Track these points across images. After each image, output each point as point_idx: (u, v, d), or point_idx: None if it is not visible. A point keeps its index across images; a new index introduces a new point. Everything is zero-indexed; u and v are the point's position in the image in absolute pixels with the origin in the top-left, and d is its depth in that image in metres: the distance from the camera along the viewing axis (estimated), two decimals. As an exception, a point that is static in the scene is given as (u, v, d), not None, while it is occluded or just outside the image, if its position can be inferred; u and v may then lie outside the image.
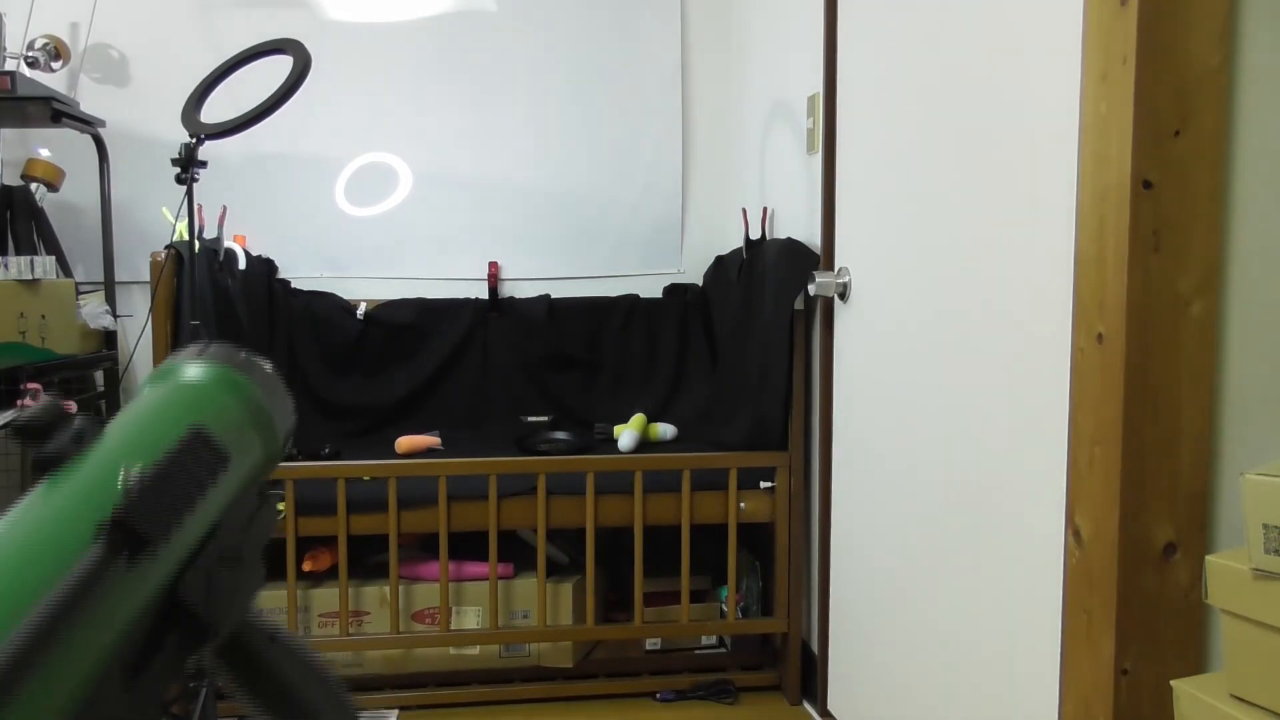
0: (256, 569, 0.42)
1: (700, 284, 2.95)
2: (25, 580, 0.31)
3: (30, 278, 2.31)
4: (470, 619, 2.29)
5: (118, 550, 0.33)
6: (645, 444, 2.54)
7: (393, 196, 2.89)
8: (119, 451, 0.36)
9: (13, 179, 2.66)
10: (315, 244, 2.87)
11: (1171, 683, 0.95)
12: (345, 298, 2.81)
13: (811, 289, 2.02)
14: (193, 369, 0.43)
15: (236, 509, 0.41)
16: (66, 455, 0.34)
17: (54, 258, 2.41)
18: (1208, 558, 0.91)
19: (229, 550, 0.40)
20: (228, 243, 2.50)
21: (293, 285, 2.80)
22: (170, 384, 0.42)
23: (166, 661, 0.36)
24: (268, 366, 0.47)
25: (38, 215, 2.64)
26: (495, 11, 2.90)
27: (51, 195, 2.71)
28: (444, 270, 2.92)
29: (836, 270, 2.00)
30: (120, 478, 0.35)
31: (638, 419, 2.55)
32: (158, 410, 0.40)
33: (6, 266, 2.32)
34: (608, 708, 2.28)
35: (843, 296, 1.98)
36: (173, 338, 2.15)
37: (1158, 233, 1.07)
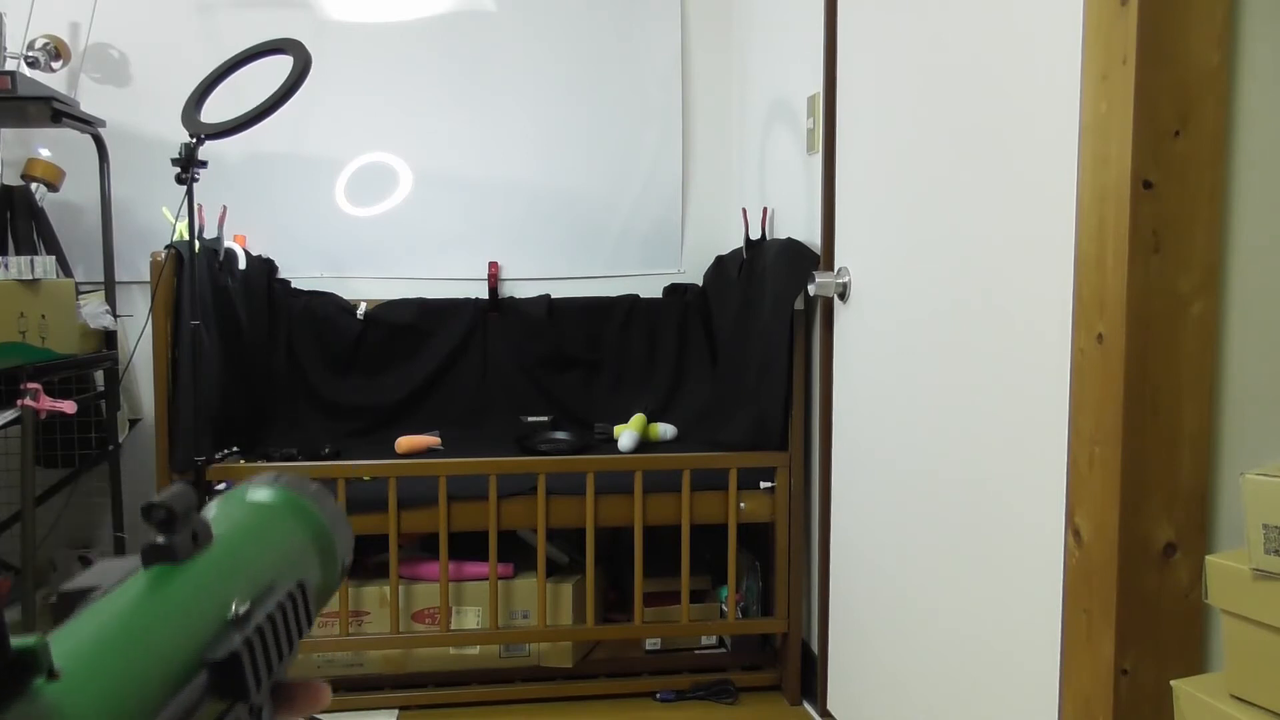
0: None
1: (700, 284, 2.95)
2: (144, 688, 0.30)
3: (30, 278, 2.31)
4: (470, 619, 2.29)
5: (222, 693, 0.33)
6: (645, 444, 2.54)
7: (393, 196, 2.89)
8: (229, 573, 0.37)
9: (13, 179, 2.66)
10: (315, 244, 2.87)
11: (1171, 683, 0.95)
12: (345, 298, 2.81)
13: (811, 289, 2.02)
14: (265, 492, 0.44)
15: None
16: (180, 556, 0.35)
17: (54, 258, 2.41)
18: (1208, 558, 0.91)
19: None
20: (228, 243, 2.50)
21: (293, 285, 2.80)
22: (255, 507, 0.43)
23: None
24: (334, 499, 0.48)
25: (38, 215, 2.64)
26: (495, 11, 2.90)
27: (51, 195, 2.71)
28: (444, 270, 2.92)
29: (836, 270, 2.00)
30: (232, 611, 0.35)
31: (638, 419, 2.55)
32: (258, 535, 0.41)
33: (6, 266, 2.31)
34: (608, 708, 2.27)
35: (843, 296, 1.98)
36: (173, 337, 2.15)
37: (1158, 233, 1.07)
